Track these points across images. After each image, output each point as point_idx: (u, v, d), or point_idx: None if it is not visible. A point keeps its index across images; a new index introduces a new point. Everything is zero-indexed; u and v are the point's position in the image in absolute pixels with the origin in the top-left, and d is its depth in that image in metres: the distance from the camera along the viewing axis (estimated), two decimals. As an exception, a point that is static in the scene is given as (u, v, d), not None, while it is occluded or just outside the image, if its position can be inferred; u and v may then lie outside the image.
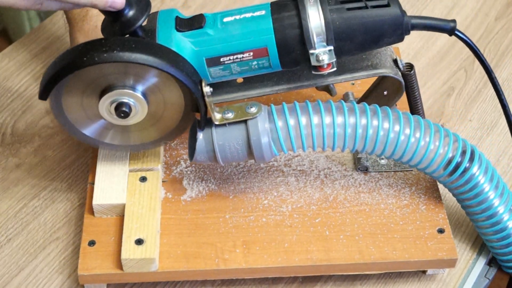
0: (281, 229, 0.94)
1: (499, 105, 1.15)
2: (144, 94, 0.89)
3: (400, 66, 0.95)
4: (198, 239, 0.93)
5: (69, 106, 0.89)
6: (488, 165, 0.92)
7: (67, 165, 1.05)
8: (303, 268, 0.92)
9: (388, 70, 0.94)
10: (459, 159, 0.90)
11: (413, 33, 1.24)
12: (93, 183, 0.96)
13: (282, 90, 0.95)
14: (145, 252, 0.89)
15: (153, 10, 1.26)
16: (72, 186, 1.03)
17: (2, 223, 0.99)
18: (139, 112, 0.90)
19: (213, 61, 0.90)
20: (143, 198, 0.94)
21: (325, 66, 0.88)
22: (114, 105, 0.88)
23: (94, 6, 0.84)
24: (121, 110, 0.88)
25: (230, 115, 0.89)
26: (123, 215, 0.93)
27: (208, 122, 0.90)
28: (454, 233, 1.00)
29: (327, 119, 0.89)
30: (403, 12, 0.89)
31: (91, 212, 0.95)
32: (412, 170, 1.01)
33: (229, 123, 0.89)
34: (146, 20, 0.90)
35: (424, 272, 0.96)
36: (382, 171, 1.01)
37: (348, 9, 0.88)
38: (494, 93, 1.17)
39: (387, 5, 0.88)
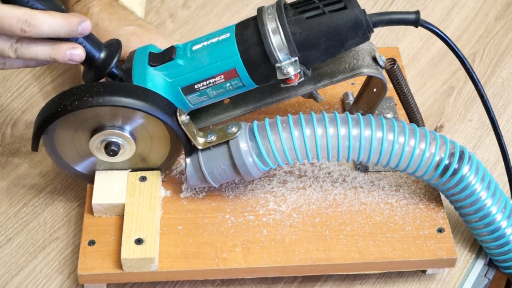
0: (280, 229, 0.94)
1: (499, 105, 1.17)
2: (131, 133, 0.92)
3: (381, 62, 0.95)
4: (198, 238, 0.93)
5: (61, 147, 0.93)
6: (479, 165, 0.92)
7: (67, 165, 1.05)
8: (302, 267, 0.92)
9: (366, 69, 0.94)
10: (447, 162, 0.90)
11: (413, 33, 1.25)
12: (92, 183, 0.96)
13: (266, 104, 0.96)
14: (145, 252, 0.89)
15: (152, 11, 1.27)
16: (72, 185, 1.03)
17: (2, 223, 0.99)
18: (128, 149, 0.93)
19: (189, 89, 0.92)
20: (143, 198, 0.94)
21: (293, 78, 0.89)
22: (103, 144, 0.92)
23: (54, 61, 0.88)
24: (110, 149, 0.92)
25: (213, 138, 0.91)
26: (123, 215, 0.93)
27: (194, 148, 0.92)
28: (454, 232, 1.00)
29: (308, 131, 0.89)
30: (362, 12, 0.89)
31: (91, 211, 0.95)
32: (411, 170, 1.01)
33: (213, 146, 0.91)
34: (126, 58, 0.95)
35: (423, 271, 0.96)
36: (381, 171, 1.01)
37: (307, 18, 0.88)
38: (494, 93, 1.18)
39: (345, 8, 0.88)
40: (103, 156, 0.93)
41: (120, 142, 0.92)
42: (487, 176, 0.92)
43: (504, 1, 1.32)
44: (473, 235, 0.98)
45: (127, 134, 0.92)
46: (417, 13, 0.91)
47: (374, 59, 0.95)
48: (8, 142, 1.08)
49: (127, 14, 1.06)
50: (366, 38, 0.90)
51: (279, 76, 0.89)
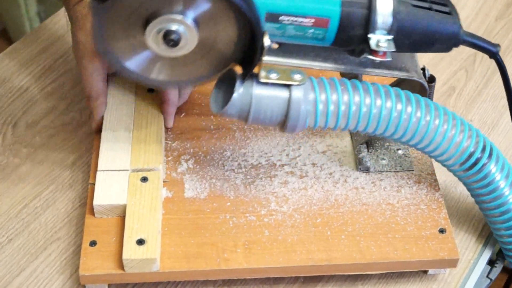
0: (282, 229, 0.94)
1: (499, 105, 1.17)
2: (195, 22, 0.83)
3: (427, 75, 0.96)
4: (199, 239, 0.93)
5: (113, 35, 0.82)
6: (504, 162, 0.92)
7: (68, 165, 1.05)
8: (304, 268, 0.92)
9: (417, 77, 0.94)
10: (480, 155, 0.91)
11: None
12: (94, 184, 0.96)
13: (317, 67, 0.92)
14: (146, 252, 0.89)
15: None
16: (73, 186, 1.03)
17: (3, 224, 0.99)
18: (188, 42, 0.84)
19: (272, 18, 0.86)
20: (144, 199, 0.94)
21: (381, 54, 0.88)
22: (162, 33, 0.82)
23: None
24: (170, 38, 0.82)
25: (274, 76, 0.87)
26: (124, 216, 0.93)
27: (249, 77, 0.87)
28: (456, 233, 1.00)
29: (367, 100, 0.89)
30: (460, 25, 0.90)
31: (92, 212, 0.95)
32: (413, 170, 1.01)
33: (272, 84, 0.88)
34: None
35: (425, 272, 0.96)
36: (383, 171, 1.01)
37: (414, 5, 0.88)
38: (495, 92, 1.19)
39: (449, 13, 0.89)
40: (157, 47, 0.83)
41: (181, 31, 0.82)
42: (511, 173, 0.93)
43: (505, 1, 1.32)
44: (479, 233, 0.99)
45: (190, 22, 0.82)
46: (498, 46, 0.92)
47: (423, 70, 0.96)
48: (9, 142, 1.08)
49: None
50: (448, 49, 0.91)
51: (372, 46, 0.87)
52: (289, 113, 0.88)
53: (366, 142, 1.03)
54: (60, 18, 1.25)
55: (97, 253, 0.91)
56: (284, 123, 0.89)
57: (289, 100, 0.87)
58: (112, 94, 1.05)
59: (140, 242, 0.90)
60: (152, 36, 0.82)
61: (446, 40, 0.89)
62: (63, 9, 1.23)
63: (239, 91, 0.87)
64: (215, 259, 0.91)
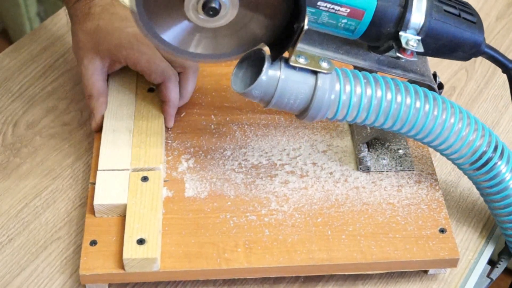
0: (282, 229, 0.94)
1: (500, 105, 1.17)
2: None
3: (437, 81, 0.96)
4: (200, 239, 0.93)
5: (152, 7, 0.82)
6: None
7: (68, 165, 1.05)
8: (305, 267, 0.92)
9: (429, 81, 0.95)
10: (491, 155, 0.91)
11: (414, 33, 1.25)
12: (94, 183, 0.96)
13: (336, 59, 0.92)
14: (147, 252, 0.89)
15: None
16: (73, 186, 1.03)
17: (4, 223, 0.99)
18: (228, 12, 0.83)
19: (310, 1, 0.86)
20: (145, 198, 0.94)
21: (409, 53, 0.88)
22: (202, 1, 0.81)
23: None
24: (210, 6, 0.81)
25: (303, 61, 0.87)
26: (125, 215, 0.93)
27: (278, 59, 0.87)
28: (456, 232, 1.00)
29: (389, 95, 0.89)
30: (484, 36, 0.92)
31: (93, 212, 0.95)
32: (413, 170, 1.01)
33: (299, 69, 0.87)
34: None
35: (425, 272, 0.96)
36: (383, 171, 1.01)
37: (445, 10, 0.89)
38: (495, 93, 1.19)
39: (474, 23, 0.91)
40: (196, 17, 0.82)
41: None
42: None
43: (505, 1, 1.32)
44: (479, 233, 0.99)
45: None
46: None
47: (434, 76, 0.96)
48: (10, 142, 1.08)
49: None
50: (468, 58, 0.93)
51: (403, 44, 0.87)
52: (313, 101, 0.87)
53: (367, 142, 1.03)
54: (60, 18, 1.25)
55: (98, 252, 0.91)
56: (306, 110, 0.88)
57: (315, 87, 0.87)
58: (112, 94, 1.05)
59: (141, 241, 0.90)
60: (192, 4, 0.81)
61: (469, 48, 0.91)
62: (63, 9, 1.23)
63: (268, 73, 0.86)
64: (216, 259, 0.91)
